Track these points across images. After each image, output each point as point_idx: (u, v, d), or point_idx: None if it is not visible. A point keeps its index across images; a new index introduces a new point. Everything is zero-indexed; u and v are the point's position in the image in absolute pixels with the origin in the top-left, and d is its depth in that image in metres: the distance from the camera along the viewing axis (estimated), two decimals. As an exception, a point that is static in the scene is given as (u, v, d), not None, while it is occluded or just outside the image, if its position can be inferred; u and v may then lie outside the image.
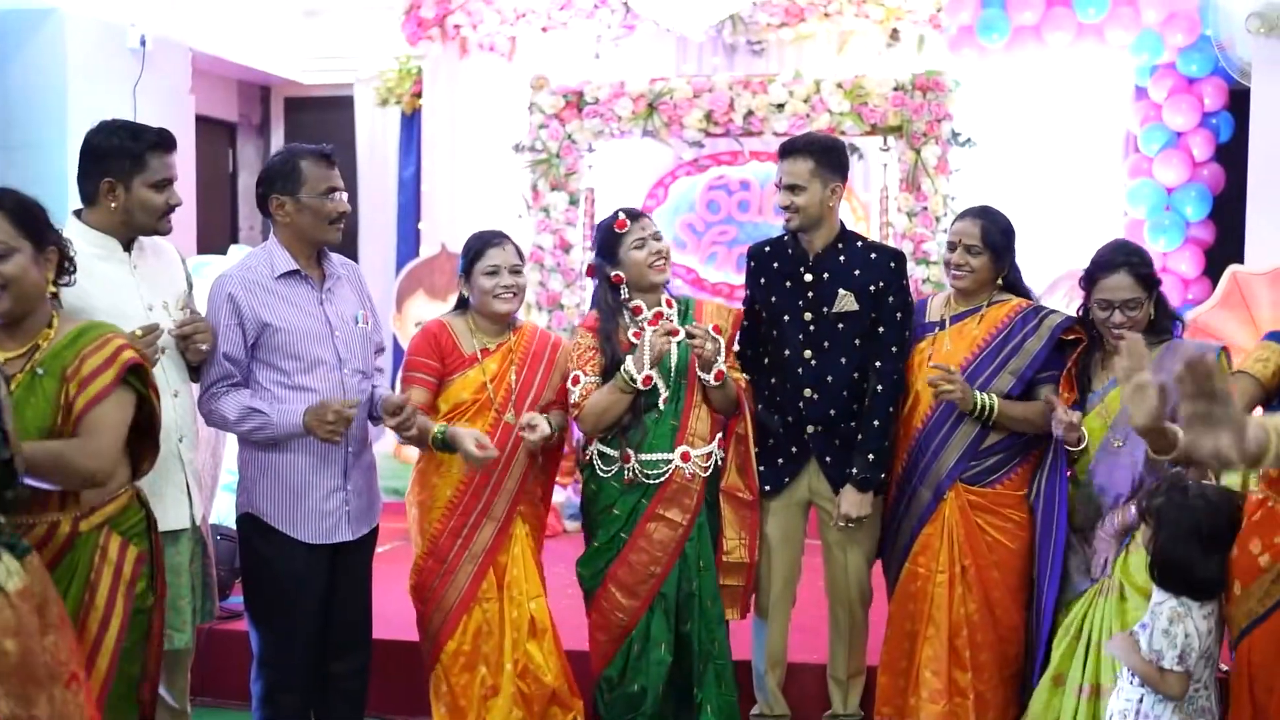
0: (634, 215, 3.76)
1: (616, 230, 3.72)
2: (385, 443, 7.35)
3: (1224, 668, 3.30)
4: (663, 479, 3.69)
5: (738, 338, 3.97)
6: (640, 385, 3.62)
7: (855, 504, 3.78)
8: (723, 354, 3.70)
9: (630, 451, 3.69)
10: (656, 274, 3.74)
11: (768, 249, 3.98)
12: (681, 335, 3.67)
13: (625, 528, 3.71)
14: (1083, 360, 3.69)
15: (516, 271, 3.73)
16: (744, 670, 4.06)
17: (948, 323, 3.84)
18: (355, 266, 3.83)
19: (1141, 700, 3.18)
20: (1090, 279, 3.61)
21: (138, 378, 2.87)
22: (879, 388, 3.80)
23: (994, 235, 3.76)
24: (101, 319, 2.98)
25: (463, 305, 3.82)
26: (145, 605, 2.93)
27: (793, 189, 3.80)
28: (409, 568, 3.81)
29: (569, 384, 3.71)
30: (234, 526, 3.72)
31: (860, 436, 3.81)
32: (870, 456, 3.78)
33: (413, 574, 3.77)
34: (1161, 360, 3.49)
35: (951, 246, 3.81)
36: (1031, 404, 3.70)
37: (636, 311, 3.75)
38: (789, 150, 3.84)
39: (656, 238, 3.75)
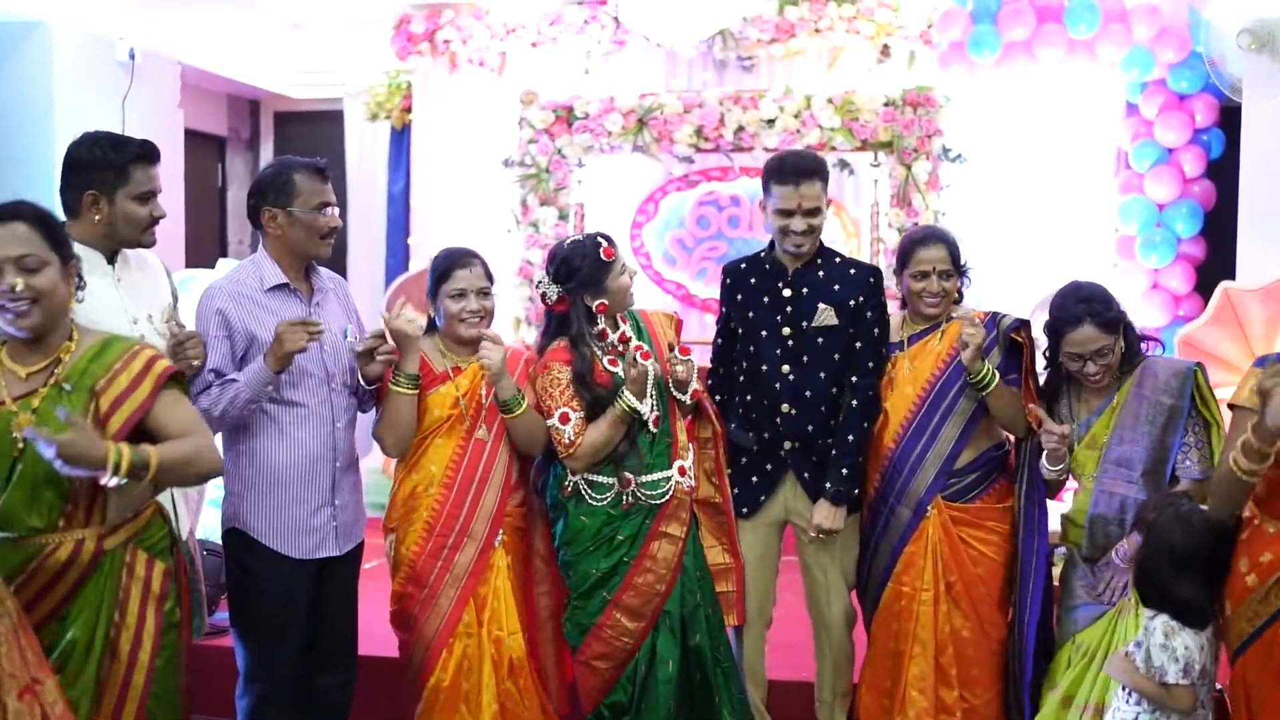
0: (612, 242, 3.68)
1: (605, 259, 3.61)
2: (373, 458, 7.30)
3: (1219, 687, 3.27)
4: (666, 497, 3.65)
5: (710, 355, 4.02)
6: (652, 426, 3.61)
7: (829, 517, 3.77)
8: (694, 373, 3.66)
9: (629, 475, 3.61)
10: (633, 298, 3.72)
11: (744, 265, 3.95)
12: (647, 350, 3.66)
13: (629, 552, 3.63)
14: (1055, 390, 3.69)
15: (485, 294, 3.63)
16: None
17: (906, 343, 3.83)
18: (342, 281, 3.79)
19: (1137, 718, 3.16)
20: (1055, 332, 3.57)
21: (178, 385, 2.88)
22: (854, 403, 3.79)
23: (958, 255, 3.78)
24: None
25: (432, 326, 3.73)
26: (174, 620, 2.90)
27: (814, 212, 3.75)
28: (389, 584, 3.74)
29: (557, 422, 3.57)
30: (219, 541, 3.68)
31: (835, 451, 3.79)
32: (845, 471, 3.77)
33: (393, 601, 3.66)
34: (1141, 381, 3.52)
35: (921, 275, 3.74)
36: (1015, 391, 3.70)
37: (602, 336, 3.68)
38: (810, 173, 3.74)
39: (626, 263, 3.72)
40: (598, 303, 3.62)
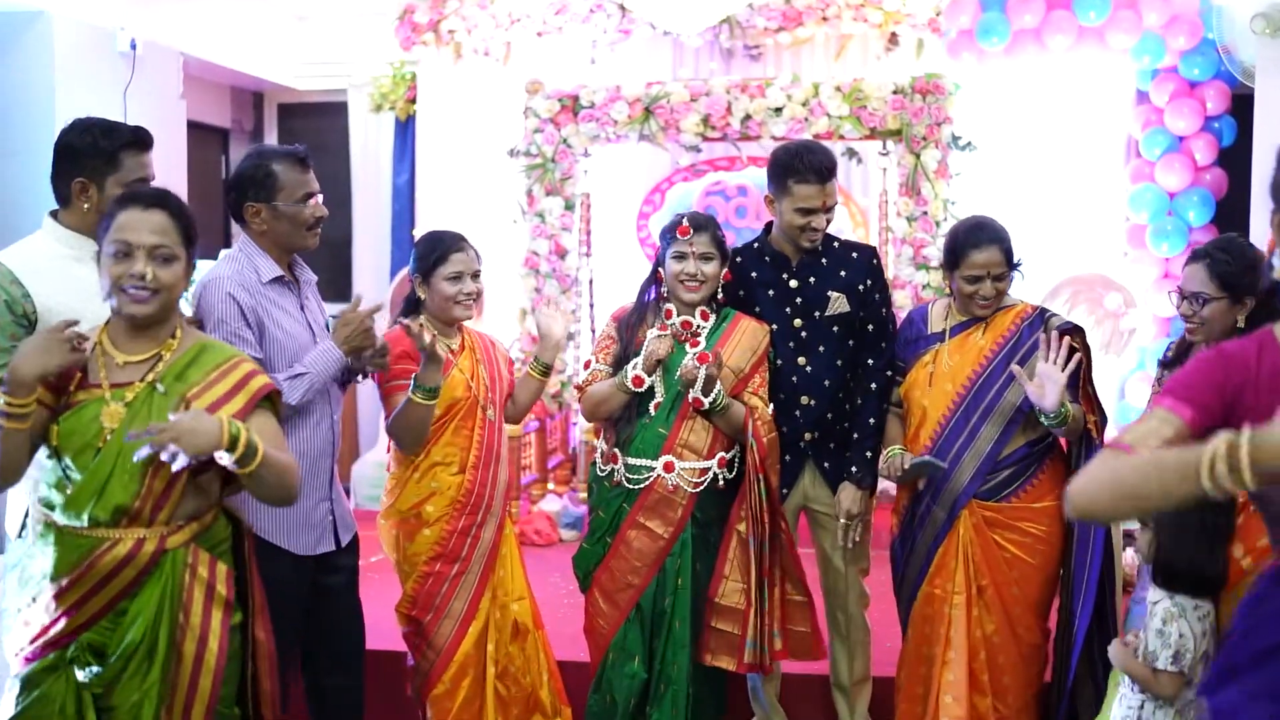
0: (698, 225, 3.61)
1: (677, 234, 3.62)
2: (379, 450, 7.27)
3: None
4: (643, 486, 3.61)
5: None
6: (630, 385, 3.58)
7: (856, 500, 3.75)
8: (707, 384, 3.54)
9: (617, 452, 3.65)
10: (685, 292, 3.63)
11: (740, 259, 3.89)
12: (703, 347, 3.62)
13: (609, 532, 3.66)
14: (1185, 355, 3.57)
15: (477, 276, 3.68)
16: (738, 681, 3.98)
17: (948, 335, 3.70)
18: (308, 269, 3.68)
19: (1143, 707, 3.14)
20: (1185, 266, 3.51)
21: (271, 403, 2.85)
22: (872, 385, 3.77)
23: (1011, 252, 3.62)
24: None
25: (412, 308, 3.72)
26: (235, 622, 2.85)
27: (833, 208, 3.76)
28: (394, 579, 3.73)
29: (581, 367, 3.73)
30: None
31: (856, 435, 3.77)
32: (868, 454, 3.75)
33: (416, 583, 3.64)
34: None
35: (975, 279, 3.58)
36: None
37: (668, 315, 3.68)
38: (832, 171, 3.71)
39: (704, 258, 3.60)
40: (659, 270, 3.69)
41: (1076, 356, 3.45)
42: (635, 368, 3.57)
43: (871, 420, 3.76)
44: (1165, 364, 3.67)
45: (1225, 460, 1.74)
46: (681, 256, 3.60)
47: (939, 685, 3.61)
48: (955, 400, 3.62)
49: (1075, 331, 3.55)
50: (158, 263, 2.71)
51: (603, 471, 3.71)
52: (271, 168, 3.38)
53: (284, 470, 2.73)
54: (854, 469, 3.75)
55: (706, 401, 3.55)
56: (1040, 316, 3.63)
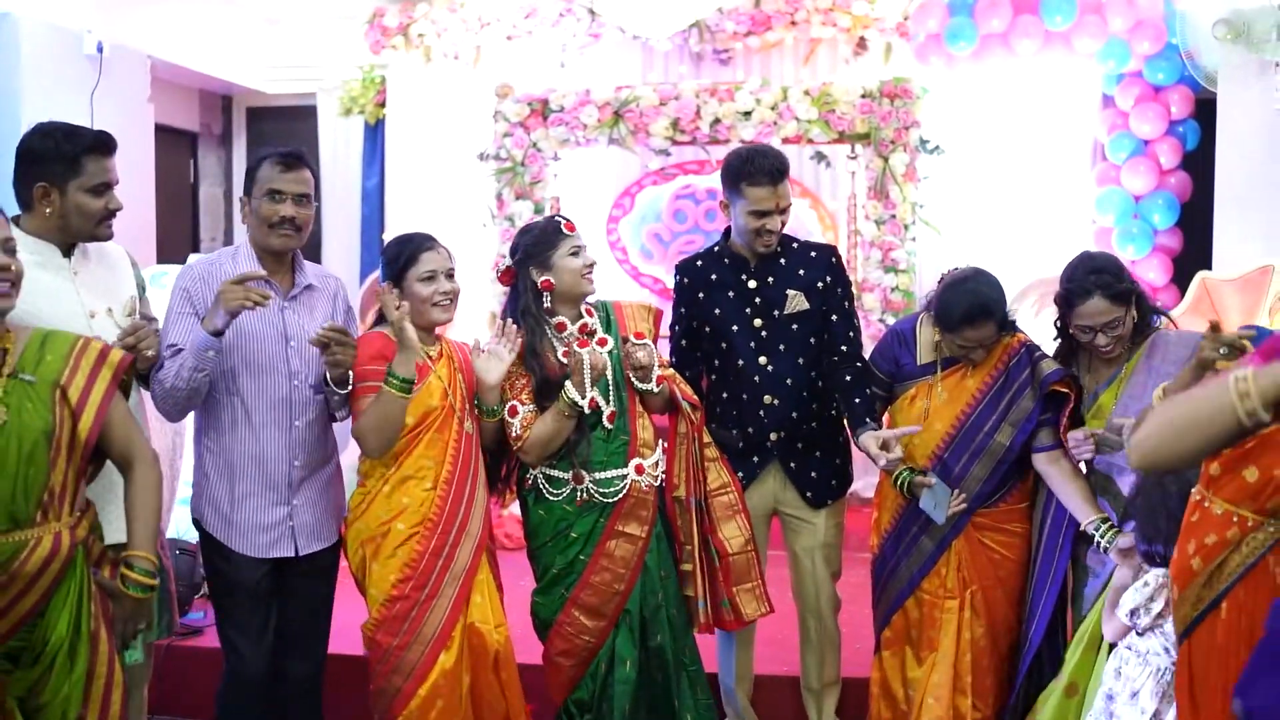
0: (571, 224, 3.65)
1: (565, 231, 3.57)
2: (351, 453, 7.23)
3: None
4: (620, 495, 3.56)
5: (672, 357, 3.92)
6: (586, 408, 3.49)
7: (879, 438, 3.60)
8: (655, 358, 3.58)
9: (583, 472, 3.53)
10: (587, 284, 3.60)
11: (700, 262, 3.91)
12: (611, 344, 3.58)
13: (584, 549, 3.56)
14: (1065, 360, 3.62)
15: (451, 275, 3.54)
16: (711, 685, 3.99)
17: (940, 366, 3.68)
18: (338, 280, 3.66)
19: (1127, 662, 3.22)
20: (1066, 303, 3.50)
21: (128, 375, 2.92)
22: (848, 378, 3.75)
23: (1005, 316, 3.58)
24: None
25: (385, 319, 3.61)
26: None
27: (787, 209, 3.75)
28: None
29: (506, 414, 3.53)
30: (191, 540, 3.62)
31: (853, 417, 3.71)
32: (868, 419, 3.67)
33: (384, 606, 3.41)
34: (1150, 353, 3.48)
35: (967, 349, 3.58)
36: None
37: (560, 328, 3.59)
38: (783, 173, 3.71)
39: (585, 249, 3.63)
40: (543, 279, 3.55)
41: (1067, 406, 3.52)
42: (588, 390, 3.48)
43: (858, 400, 3.70)
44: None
45: (1237, 388, 2.08)
46: (577, 252, 3.57)
47: (925, 686, 3.64)
48: (944, 439, 3.62)
49: (1065, 378, 3.55)
50: (10, 255, 2.74)
51: (555, 495, 3.57)
52: (261, 162, 3.44)
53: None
54: (867, 420, 3.66)
55: (654, 385, 3.56)
56: (1028, 354, 3.60)
